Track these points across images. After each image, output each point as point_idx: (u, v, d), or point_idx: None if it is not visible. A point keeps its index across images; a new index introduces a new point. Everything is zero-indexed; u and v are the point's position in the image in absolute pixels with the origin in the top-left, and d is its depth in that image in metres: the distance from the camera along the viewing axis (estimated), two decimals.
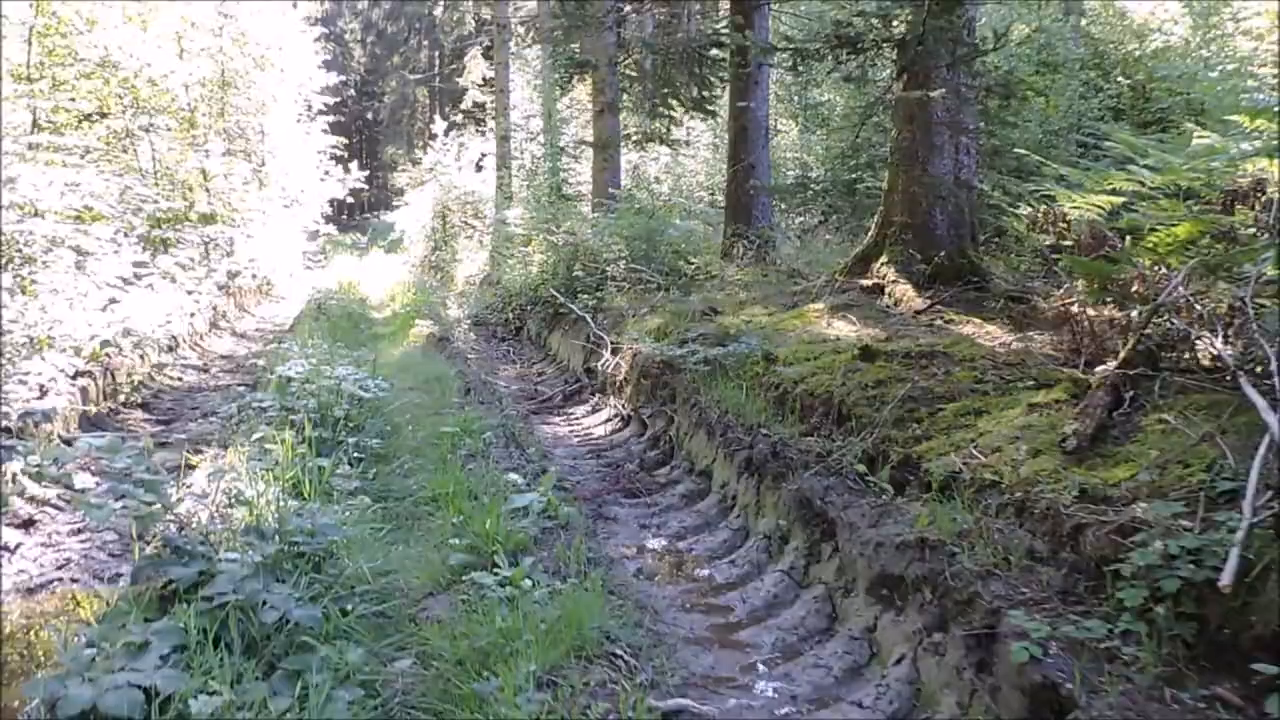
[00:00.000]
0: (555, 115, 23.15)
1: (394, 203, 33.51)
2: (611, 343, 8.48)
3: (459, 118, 31.68)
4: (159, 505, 3.40)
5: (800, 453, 5.11)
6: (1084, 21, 15.96)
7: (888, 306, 8.27)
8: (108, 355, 7.33)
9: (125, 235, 11.05)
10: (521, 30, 27.58)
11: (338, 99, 23.68)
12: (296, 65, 19.55)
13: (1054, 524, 3.43)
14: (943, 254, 8.53)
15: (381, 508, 4.62)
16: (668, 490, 5.83)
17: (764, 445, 5.29)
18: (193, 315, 9.86)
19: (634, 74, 14.62)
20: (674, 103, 12.48)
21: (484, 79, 33.40)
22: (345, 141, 22.69)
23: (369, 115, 56.61)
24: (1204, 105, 10.58)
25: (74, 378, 6.73)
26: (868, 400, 5.22)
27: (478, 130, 27.80)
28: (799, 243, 12.68)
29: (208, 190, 15.76)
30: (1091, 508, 3.36)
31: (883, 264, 8.81)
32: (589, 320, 9.47)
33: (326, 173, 23.57)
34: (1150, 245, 4.49)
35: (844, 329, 7.35)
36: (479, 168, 25.87)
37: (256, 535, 3.39)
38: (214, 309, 11.90)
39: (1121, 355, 4.29)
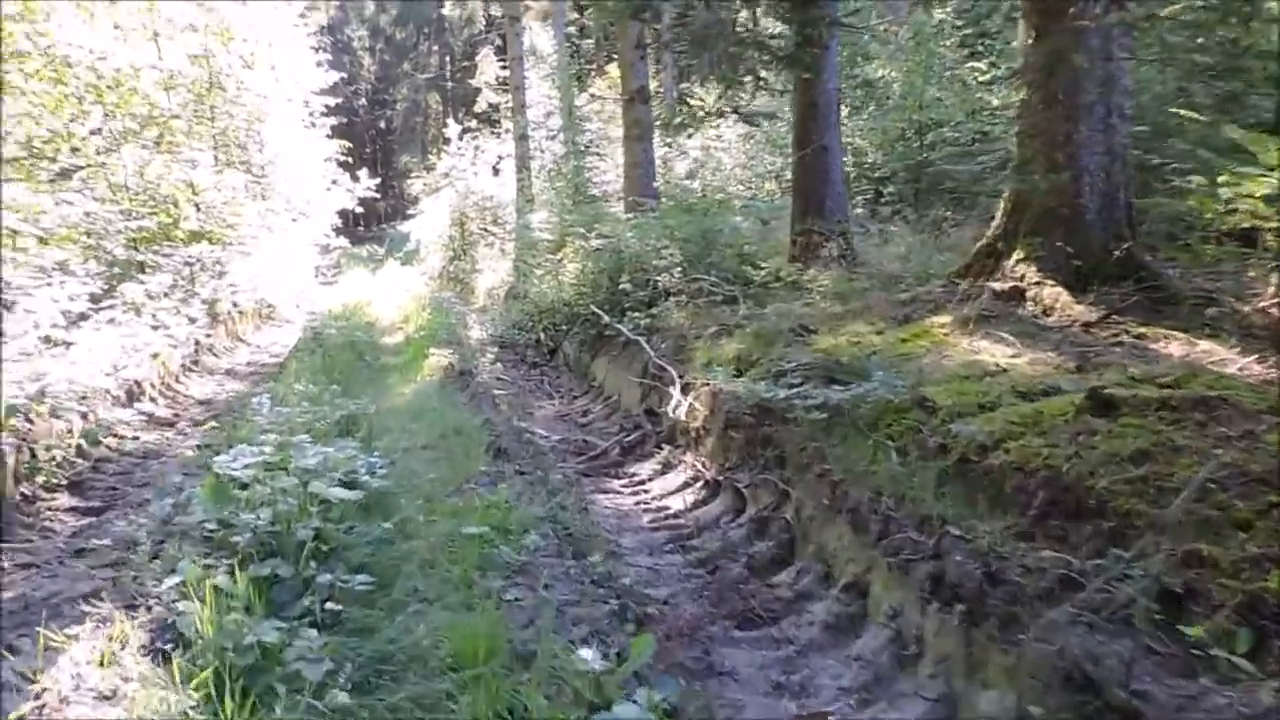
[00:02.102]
0: (575, 111, 21.43)
1: (409, 212, 31.82)
2: (679, 376, 6.61)
3: (473, 122, 30.05)
4: None
5: (1028, 572, 3.22)
6: None
7: (1036, 316, 6.38)
8: (25, 423, 5.54)
9: (87, 261, 9.32)
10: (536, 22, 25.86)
11: (340, 99, 21.95)
12: (292, 64, 17.80)
13: None
14: (1096, 245, 6.66)
15: (366, 706, 2.76)
16: (799, 613, 3.94)
17: (961, 555, 3.40)
18: (156, 355, 8.05)
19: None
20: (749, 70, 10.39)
21: (497, 78, 31.74)
22: (349, 146, 20.92)
23: (382, 124, 55.35)
24: None
25: None
26: (1131, 485, 3.30)
27: (493, 132, 26.08)
28: (879, 238, 10.74)
29: (197, 206, 14.02)
30: None
31: (1018, 261, 6.91)
32: (644, 345, 7.60)
33: (334, 182, 21.88)
34: None
35: (1001, 354, 5.45)
36: (496, 171, 24.24)
37: None
38: (196, 343, 10.13)
39: None
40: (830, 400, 4.97)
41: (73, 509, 5.25)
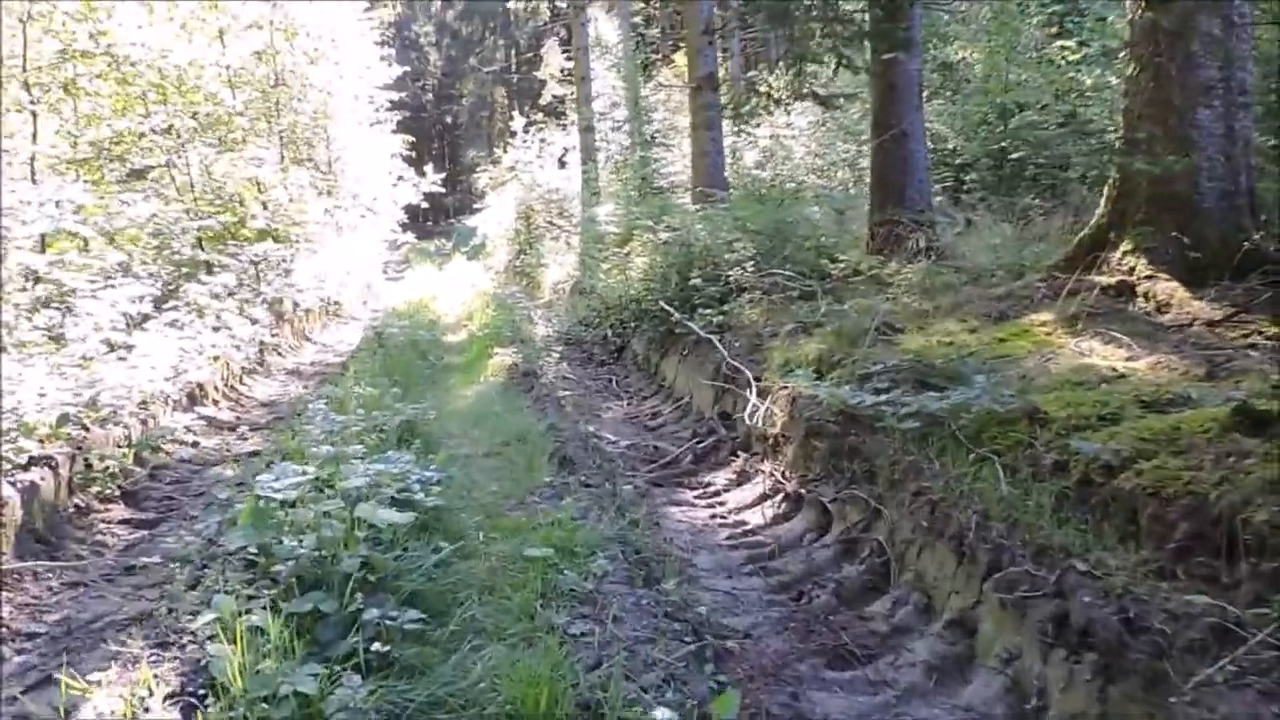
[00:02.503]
0: (641, 101, 21.08)
1: (476, 206, 31.77)
2: (755, 378, 6.20)
3: (538, 115, 29.83)
4: None
5: (1173, 619, 2.76)
6: None
7: (1149, 314, 5.82)
8: (80, 431, 5.37)
9: (148, 263, 9.27)
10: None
11: (404, 94, 21.92)
12: (356, 60, 17.73)
13: None
14: (1214, 236, 6.09)
15: None
16: (897, 651, 3.53)
17: (1090, 595, 2.95)
18: (216, 358, 7.91)
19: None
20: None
21: (562, 70, 31.49)
22: (414, 141, 20.85)
23: (448, 119, 55.69)
24: None
25: (25, 468, 4.78)
26: None
27: (558, 125, 25.84)
28: (963, 228, 10.17)
29: (264, 204, 14.00)
30: None
31: (1126, 253, 6.34)
32: (717, 344, 7.20)
33: (400, 177, 21.89)
34: None
35: (1115, 356, 4.94)
36: (562, 163, 24.02)
37: None
38: (260, 343, 10.01)
39: None
40: (925, 408, 4.53)
41: (126, 521, 5.06)
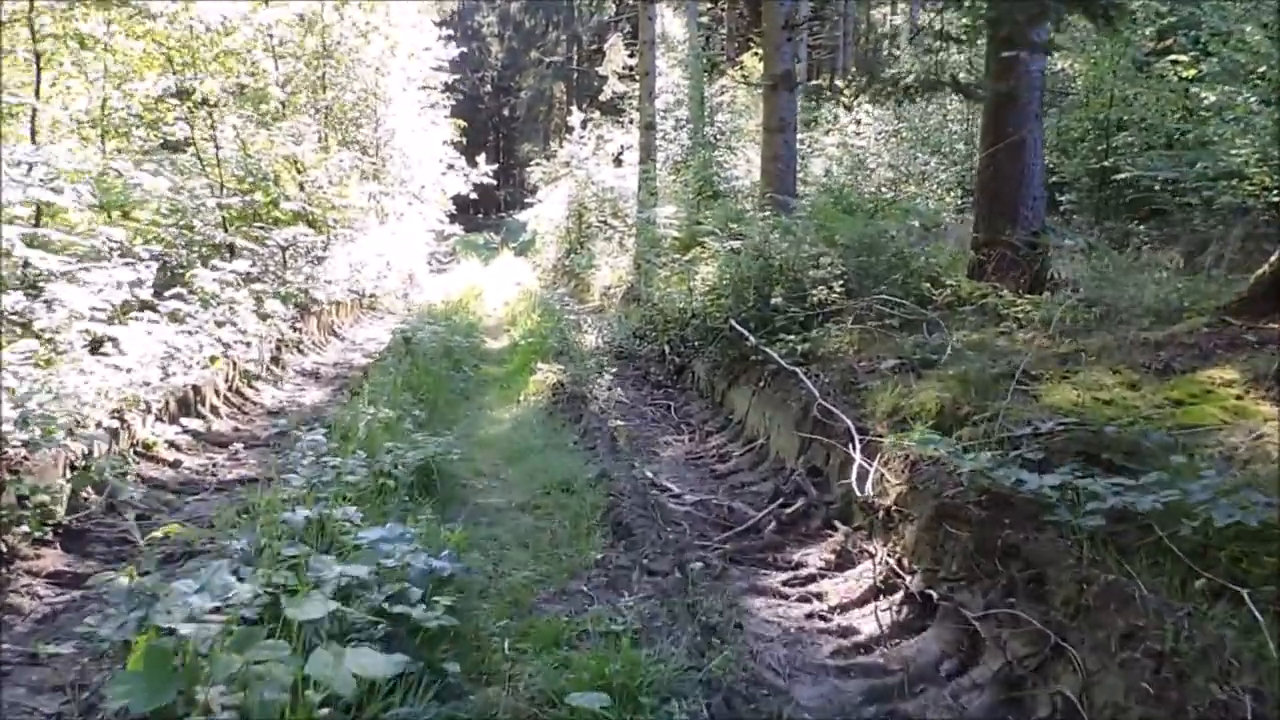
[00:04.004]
0: (707, 101, 20.01)
1: (528, 201, 30.80)
2: (858, 428, 4.97)
3: (596, 113, 28.84)
4: None
5: None
6: None
7: None
8: (21, 449, 4.30)
9: (155, 243, 8.28)
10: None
11: (458, 76, 20.98)
12: (411, 38, 16.73)
13: None
14: None
15: None
16: None
17: None
18: (214, 359, 6.82)
19: None
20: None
21: (625, 67, 30.49)
22: (465, 126, 19.84)
23: (505, 111, 55.09)
24: None
25: None
26: None
27: (616, 122, 24.78)
28: (1083, 255, 8.86)
29: (301, 185, 13.03)
30: None
31: None
32: (805, 381, 5.97)
33: (450, 166, 20.93)
34: None
35: None
36: (618, 161, 23.03)
37: None
38: (279, 339, 8.97)
39: None
40: (1120, 503, 3.29)
41: (56, 576, 3.97)
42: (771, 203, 11.25)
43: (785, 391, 6.25)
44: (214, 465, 5.69)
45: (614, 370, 9.22)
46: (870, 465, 4.63)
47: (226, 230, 10.04)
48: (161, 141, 11.66)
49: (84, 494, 4.64)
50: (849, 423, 5.03)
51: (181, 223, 9.05)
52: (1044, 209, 9.01)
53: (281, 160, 12.27)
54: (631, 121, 22.18)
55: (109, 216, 8.18)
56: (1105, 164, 12.73)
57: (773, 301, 7.29)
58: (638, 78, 20.27)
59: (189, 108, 11.62)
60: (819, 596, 4.15)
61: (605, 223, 20.40)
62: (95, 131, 11.37)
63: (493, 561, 3.76)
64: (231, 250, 9.82)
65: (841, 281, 7.48)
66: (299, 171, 12.95)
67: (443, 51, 17.97)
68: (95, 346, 5.76)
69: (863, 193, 13.01)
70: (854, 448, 4.79)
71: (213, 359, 6.52)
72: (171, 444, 5.76)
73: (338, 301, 11.85)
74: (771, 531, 4.75)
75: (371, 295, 14.07)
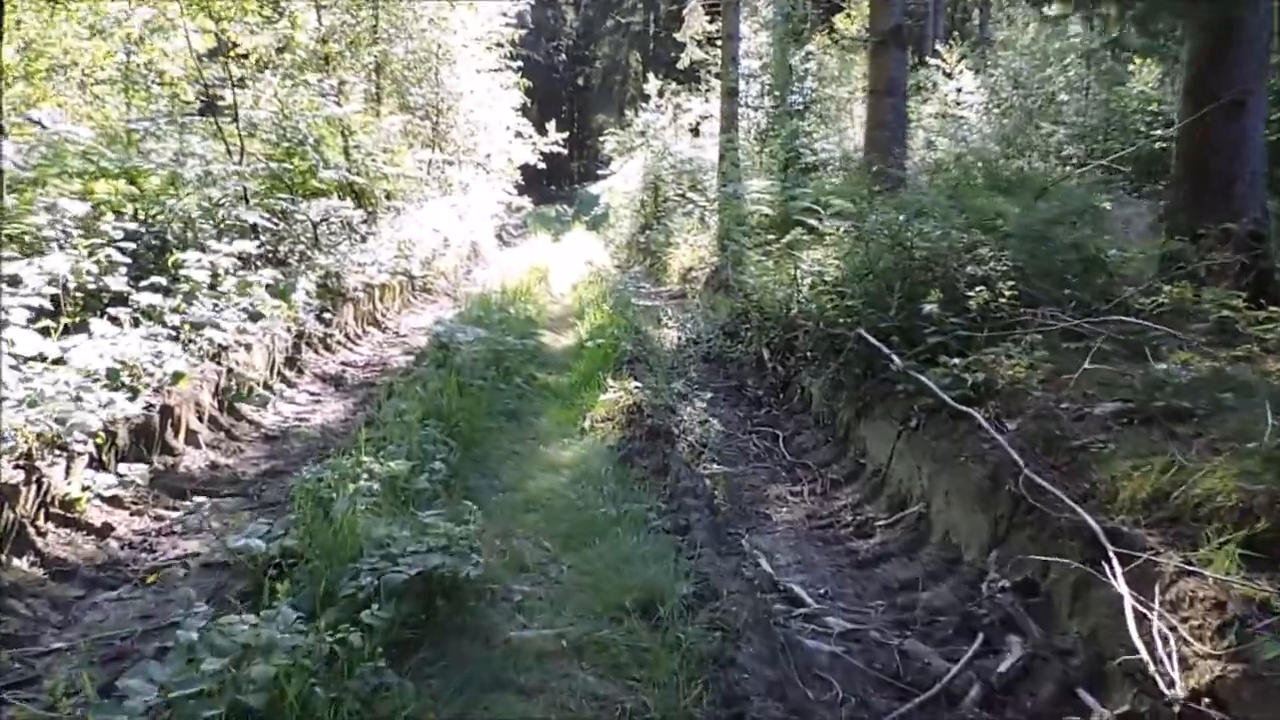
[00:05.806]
0: (795, 68, 18.26)
1: (600, 172, 29.11)
2: (1108, 534, 3.16)
3: (673, 84, 27.06)
4: None
5: None
6: None
7: None
8: None
9: (144, 219, 6.81)
10: None
11: (527, 29, 19.37)
12: None
13: None
14: None
15: None
16: None
17: None
18: (180, 376, 5.21)
19: None
20: None
21: (704, 34, 28.61)
22: (530, 85, 18.21)
23: (579, 81, 53.53)
24: None
25: None
26: None
27: (694, 91, 22.94)
28: None
29: (346, 151, 11.51)
30: None
31: None
32: (989, 429, 4.15)
33: (518, 134, 19.35)
34: None
35: None
36: (696, 131, 21.32)
37: None
38: (299, 334, 7.42)
39: None
40: None
41: None
42: (880, 175, 9.35)
43: (955, 442, 4.43)
44: (157, 532, 4.11)
45: (702, 381, 7.47)
46: (1153, 615, 2.81)
47: (247, 204, 8.52)
48: (200, 104, 10.24)
49: None
50: (1091, 523, 3.21)
51: (186, 194, 7.54)
52: (1263, 189, 6.98)
53: (323, 123, 10.75)
54: (710, 90, 20.54)
55: (115, 187, 6.71)
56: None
57: (925, 309, 5.43)
58: (719, 42, 18.47)
59: (223, 63, 10.19)
60: None
61: (684, 196, 18.62)
62: (114, 89, 10.00)
63: None
64: (255, 229, 8.31)
65: (1011, 282, 5.59)
66: (345, 136, 11.43)
67: (510, 6, 16.27)
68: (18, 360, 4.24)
69: (1012, 167, 10.95)
70: (1113, 571, 2.97)
71: (177, 375, 4.93)
72: (109, 500, 4.19)
73: (382, 285, 10.31)
74: (975, 703, 2.96)
75: (423, 276, 12.51)
